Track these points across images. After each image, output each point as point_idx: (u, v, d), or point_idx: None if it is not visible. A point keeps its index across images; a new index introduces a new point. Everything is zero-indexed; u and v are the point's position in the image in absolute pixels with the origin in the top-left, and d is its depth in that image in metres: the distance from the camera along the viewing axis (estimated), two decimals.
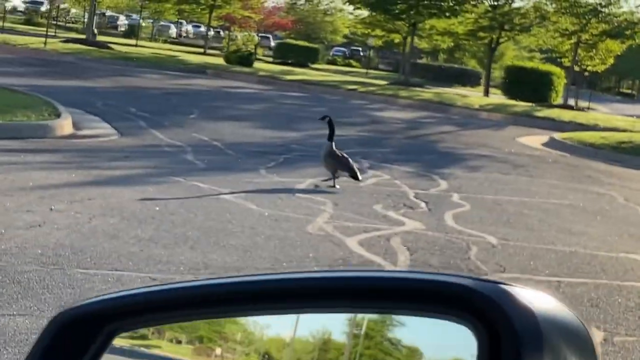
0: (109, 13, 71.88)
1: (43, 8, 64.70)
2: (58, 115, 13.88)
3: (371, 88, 32.95)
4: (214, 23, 58.53)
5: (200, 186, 9.99)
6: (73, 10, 70.54)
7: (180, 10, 56.57)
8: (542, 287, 1.03)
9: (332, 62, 67.71)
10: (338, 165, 11.24)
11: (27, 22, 61.22)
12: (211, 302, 1.12)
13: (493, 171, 14.85)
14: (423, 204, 10.59)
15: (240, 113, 20.06)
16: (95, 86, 21.74)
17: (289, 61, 50.74)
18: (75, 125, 14.33)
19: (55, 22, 54.59)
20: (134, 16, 71.34)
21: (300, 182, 11.29)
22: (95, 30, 43.20)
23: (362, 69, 61.24)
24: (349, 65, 68.99)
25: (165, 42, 60.42)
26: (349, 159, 11.39)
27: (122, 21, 71.13)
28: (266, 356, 1.11)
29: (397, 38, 46.07)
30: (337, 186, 11.05)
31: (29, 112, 13.71)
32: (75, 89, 20.19)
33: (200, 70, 32.56)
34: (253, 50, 40.91)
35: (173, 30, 73.21)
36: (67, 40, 34.61)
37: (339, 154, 11.34)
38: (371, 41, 52.69)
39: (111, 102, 18.47)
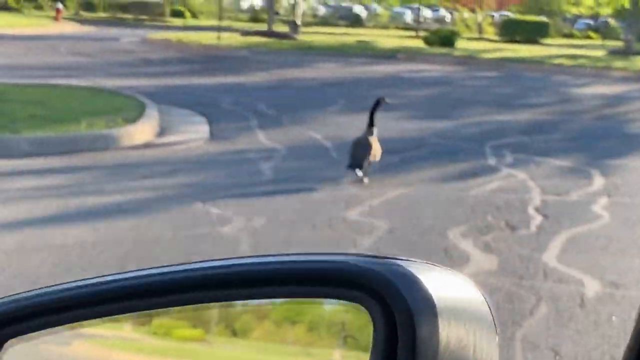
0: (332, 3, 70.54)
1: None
2: (133, 121, 11.70)
3: (581, 61, 29.15)
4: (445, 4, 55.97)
5: (210, 214, 7.45)
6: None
7: None
8: None
9: (569, 36, 63.09)
10: (351, 151, 9.40)
11: (253, 19, 60.47)
12: (92, 303, 1.04)
13: None
14: (538, 220, 7.60)
15: (399, 101, 17.32)
16: (244, 82, 19.62)
17: (516, 38, 47.51)
18: (163, 131, 12.17)
19: (277, 16, 53.36)
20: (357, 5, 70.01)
21: (379, 196, 8.51)
22: (298, 21, 41.48)
23: (602, 40, 56.38)
24: (588, 37, 63.97)
25: (396, 28, 58.09)
26: (363, 152, 9.26)
27: (347, 10, 69.11)
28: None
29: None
30: (359, 174, 9.06)
31: (100, 119, 11.66)
32: (214, 87, 18.13)
33: (391, 54, 29.93)
34: (453, 30, 37.69)
35: (409, 16, 70.15)
36: (247, 33, 32.91)
37: (357, 142, 9.47)
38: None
39: (243, 100, 16.25)
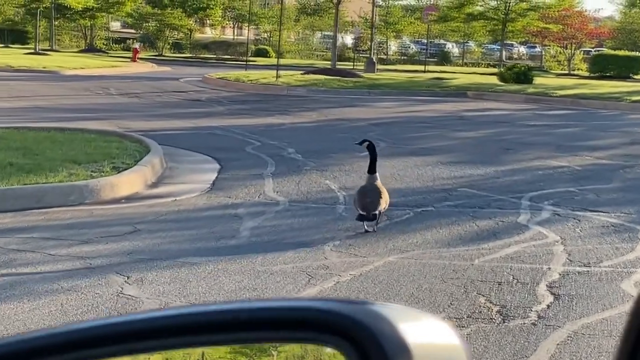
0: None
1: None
2: (123, 171, 10.43)
3: None
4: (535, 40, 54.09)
5: (117, 294, 6.04)
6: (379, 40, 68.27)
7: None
8: None
9: None
10: (356, 200, 8.37)
11: (339, 57, 59.25)
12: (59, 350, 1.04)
13: None
14: (544, 304, 6.04)
15: (442, 144, 15.78)
16: (285, 123, 18.29)
17: (607, 74, 45.89)
18: (159, 181, 10.89)
19: (358, 53, 52.12)
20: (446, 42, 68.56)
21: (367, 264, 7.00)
22: (375, 59, 40.19)
23: None
24: None
25: (487, 66, 56.38)
26: (373, 200, 8.15)
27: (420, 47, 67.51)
28: None
29: None
30: (370, 229, 8.04)
31: (85, 168, 10.41)
32: (250, 128, 16.82)
33: (461, 92, 28.30)
34: (530, 66, 35.79)
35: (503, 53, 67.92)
36: (310, 71, 31.61)
37: (364, 192, 8.36)
38: None
39: (274, 143, 14.91)
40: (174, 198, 9.96)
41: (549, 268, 7.09)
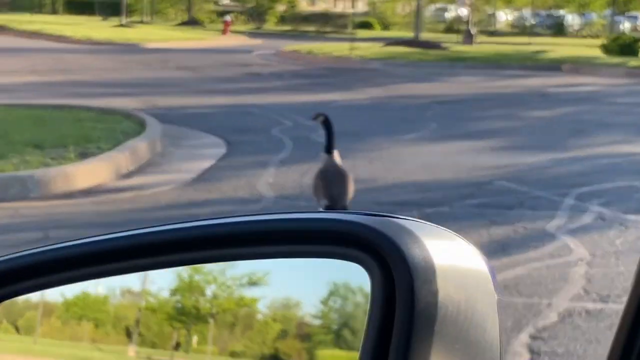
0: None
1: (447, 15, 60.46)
2: (90, 157, 8.92)
3: None
4: None
5: None
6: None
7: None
8: None
9: None
10: (316, 187, 6.92)
11: (448, 29, 56.75)
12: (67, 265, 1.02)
13: None
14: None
15: (505, 125, 13.82)
16: (338, 99, 16.53)
17: None
18: (141, 169, 9.36)
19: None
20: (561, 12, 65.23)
21: None
22: (473, 30, 37.87)
23: None
24: None
25: (607, 37, 53.20)
26: (342, 188, 6.77)
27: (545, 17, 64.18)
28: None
29: None
30: None
31: (48, 153, 8.93)
32: (295, 106, 15.15)
33: (555, 66, 25.94)
34: (637, 37, 32.91)
35: (626, 25, 63.90)
36: (391, 43, 29.55)
37: (325, 176, 6.85)
38: None
39: (307, 123, 13.14)
40: (139, 192, 8.36)
41: (549, 304, 5.22)
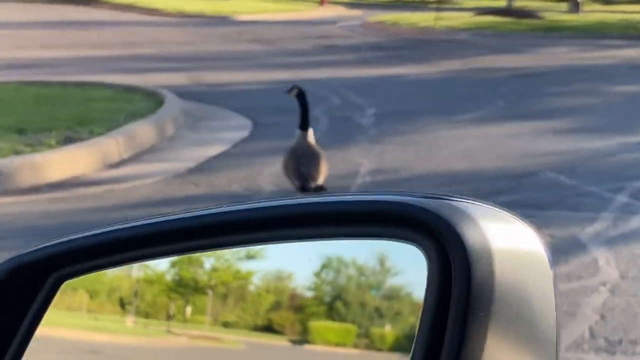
0: None
1: None
2: (72, 141, 7.93)
3: None
4: None
5: None
6: None
7: None
8: None
9: None
10: (286, 166, 6.54)
11: None
12: (155, 241, 1.04)
13: None
14: None
15: (581, 102, 12.30)
16: (408, 73, 15.23)
17: None
18: (139, 155, 8.32)
19: None
20: None
21: None
22: None
23: None
24: None
25: None
26: (315, 166, 6.35)
27: None
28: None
29: None
30: None
31: (21, 138, 7.97)
32: (352, 81, 13.97)
33: None
34: None
35: None
36: (482, 12, 27.74)
37: (300, 154, 6.46)
38: None
39: (357, 100, 12.09)
40: (114, 186, 7.28)
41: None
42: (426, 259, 0.88)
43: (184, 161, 8.23)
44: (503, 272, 0.86)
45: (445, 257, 0.86)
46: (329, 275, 0.94)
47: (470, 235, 0.87)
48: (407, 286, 0.92)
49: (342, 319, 0.92)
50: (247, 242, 0.97)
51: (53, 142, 7.88)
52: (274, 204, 0.97)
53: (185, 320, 1.01)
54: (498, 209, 0.93)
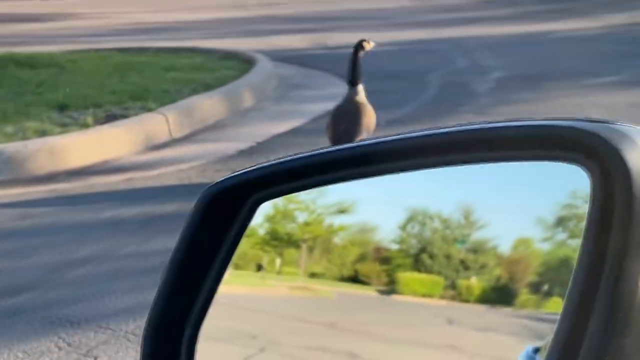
0: None
1: None
2: (112, 120, 7.01)
3: None
4: None
5: None
6: None
7: None
8: None
9: None
10: (327, 125, 5.99)
11: None
12: (342, 165, 1.04)
13: None
14: None
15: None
16: (561, 30, 13.64)
17: None
18: (195, 133, 7.31)
19: None
20: None
21: None
22: None
23: None
24: None
25: None
26: (351, 127, 5.70)
27: None
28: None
29: None
30: None
31: (60, 116, 7.10)
32: (491, 40, 12.57)
33: None
34: None
35: None
36: None
37: (338, 113, 5.94)
38: None
39: (486, 63, 10.74)
40: (144, 173, 6.27)
41: None
42: (590, 178, 0.89)
43: (241, 140, 7.14)
44: None
45: (609, 178, 0.88)
46: (414, 229, 0.97)
47: (632, 157, 0.88)
48: (571, 206, 0.93)
49: (428, 272, 0.95)
50: (430, 165, 0.98)
51: (90, 120, 6.94)
52: (450, 130, 0.99)
53: (278, 272, 1.06)
54: None
